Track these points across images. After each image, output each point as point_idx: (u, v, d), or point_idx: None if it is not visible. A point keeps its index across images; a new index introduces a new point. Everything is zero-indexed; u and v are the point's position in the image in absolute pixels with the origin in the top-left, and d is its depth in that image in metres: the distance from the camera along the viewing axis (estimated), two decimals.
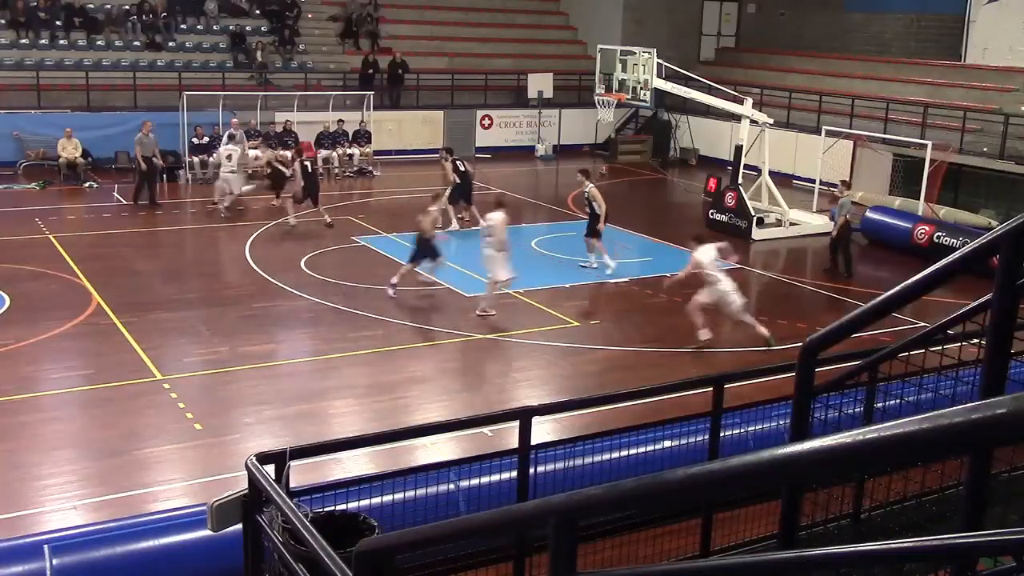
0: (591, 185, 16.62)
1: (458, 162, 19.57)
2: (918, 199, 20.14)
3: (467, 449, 8.51)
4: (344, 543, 3.59)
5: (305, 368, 12.22)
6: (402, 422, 9.69)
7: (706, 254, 13.27)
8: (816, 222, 20.78)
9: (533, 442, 6.05)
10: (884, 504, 4.89)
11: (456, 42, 30.89)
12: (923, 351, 4.09)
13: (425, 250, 14.83)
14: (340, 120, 25.51)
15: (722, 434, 6.69)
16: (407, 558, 4.23)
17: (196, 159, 23.46)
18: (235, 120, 22.98)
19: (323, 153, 24.93)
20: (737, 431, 7.53)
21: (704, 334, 13.21)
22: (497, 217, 14.02)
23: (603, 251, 16.58)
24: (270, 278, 15.52)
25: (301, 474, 5.49)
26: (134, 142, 20.98)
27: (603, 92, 21.71)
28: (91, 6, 26.62)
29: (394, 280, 14.66)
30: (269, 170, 21.42)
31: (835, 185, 23.89)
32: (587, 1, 32.82)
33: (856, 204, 22.68)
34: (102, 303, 13.86)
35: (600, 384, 11.58)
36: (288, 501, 4.05)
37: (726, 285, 13.15)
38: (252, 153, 22.48)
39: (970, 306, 3.69)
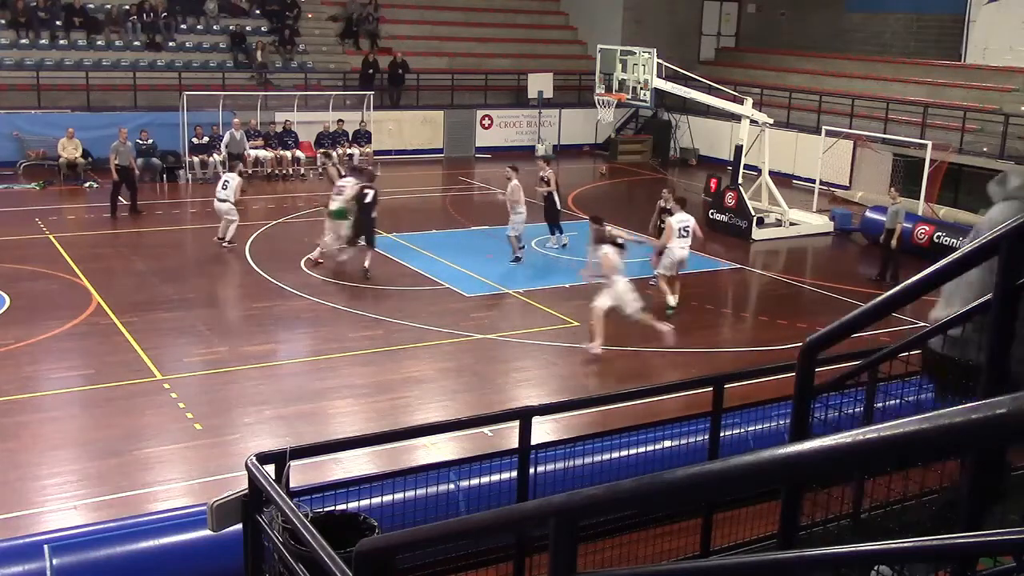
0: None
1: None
2: (918, 199, 20.14)
3: (467, 449, 8.52)
4: (344, 543, 3.59)
5: (305, 368, 12.22)
6: (402, 422, 9.69)
7: (680, 220, 14.66)
8: (816, 222, 20.79)
9: (533, 442, 6.05)
10: (884, 504, 4.88)
11: (456, 42, 30.89)
12: (923, 351, 4.08)
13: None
14: (340, 120, 25.52)
15: (722, 434, 6.68)
16: (407, 558, 4.23)
17: (196, 159, 23.47)
18: (236, 120, 22.98)
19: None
20: (737, 431, 7.53)
21: (672, 300, 14.52)
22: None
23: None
24: (270, 278, 15.52)
25: (301, 474, 5.49)
26: (110, 149, 19.68)
27: (603, 92, 21.70)
28: (91, 6, 26.62)
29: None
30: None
31: (836, 185, 24.02)
32: (587, 1, 32.82)
33: (856, 204, 22.77)
34: (102, 303, 13.86)
35: (600, 384, 11.58)
36: (288, 501, 4.05)
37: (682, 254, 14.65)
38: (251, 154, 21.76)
39: (970, 306, 3.68)
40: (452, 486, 6.66)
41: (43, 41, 25.47)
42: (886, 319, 4.27)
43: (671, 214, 15.61)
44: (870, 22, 30.87)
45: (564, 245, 17.85)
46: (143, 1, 26.85)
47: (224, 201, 16.93)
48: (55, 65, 24.84)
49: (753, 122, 20.23)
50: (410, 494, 5.55)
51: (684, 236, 14.58)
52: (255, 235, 18.09)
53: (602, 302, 12.70)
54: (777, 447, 1.96)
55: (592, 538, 5.87)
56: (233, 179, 17.15)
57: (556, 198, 17.82)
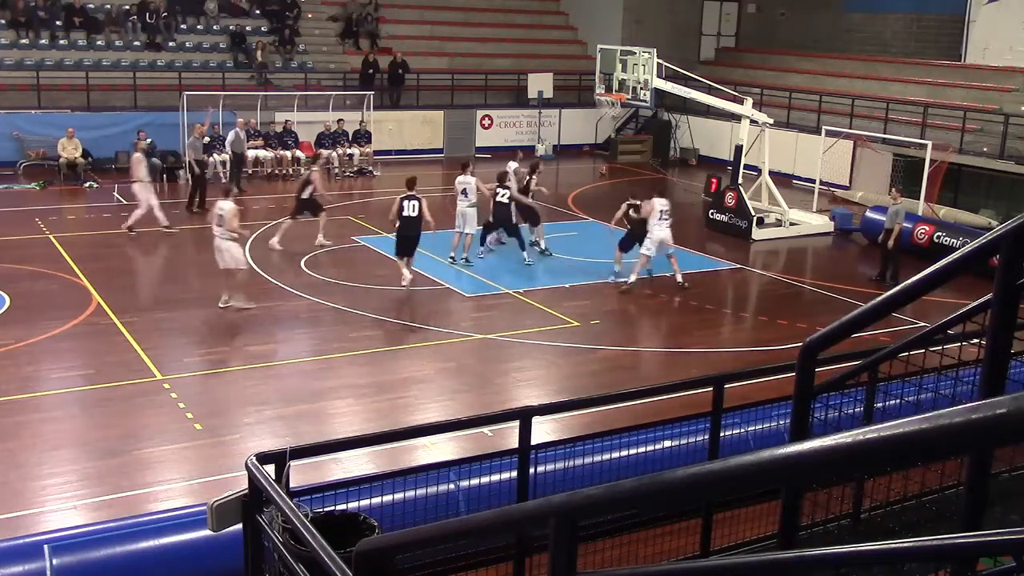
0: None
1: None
2: (918, 199, 20.14)
3: (467, 449, 8.51)
4: (344, 543, 3.59)
5: (305, 368, 12.21)
6: (402, 422, 9.69)
7: (661, 203, 15.60)
8: (816, 222, 20.79)
9: (533, 442, 6.04)
10: (884, 504, 4.88)
11: (456, 42, 30.90)
12: (923, 351, 4.09)
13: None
14: (340, 120, 25.52)
15: (722, 434, 6.68)
16: (407, 558, 4.23)
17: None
18: (240, 120, 22.98)
19: (323, 153, 24.97)
20: (737, 431, 7.54)
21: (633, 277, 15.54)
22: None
23: None
24: (270, 278, 15.52)
25: (301, 474, 5.49)
26: (187, 146, 20.51)
27: (603, 92, 21.71)
28: (91, 6, 26.62)
29: None
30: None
31: (836, 185, 24.02)
32: (587, 1, 32.82)
33: (856, 204, 22.76)
34: (102, 303, 13.86)
35: (600, 384, 11.58)
36: (288, 501, 4.05)
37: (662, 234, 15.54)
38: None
39: (970, 306, 3.69)
40: (452, 486, 6.66)
41: (43, 41, 25.47)
42: (886, 319, 4.28)
43: (638, 211, 15.85)
44: (870, 22, 30.87)
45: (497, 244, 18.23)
46: (143, 1, 26.85)
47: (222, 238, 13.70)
48: (55, 65, 24.83)
49: (753, 122, 20.23)
50: (410, 494, 5.55)
51: (665, 219, 15.57)
52: (255, 235, 18.07)
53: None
54: (777, 447, 1.96)
55: (592, 538, 5.87)
56: (227, 207, 13.78)
57: (513, 210, 17.90)
